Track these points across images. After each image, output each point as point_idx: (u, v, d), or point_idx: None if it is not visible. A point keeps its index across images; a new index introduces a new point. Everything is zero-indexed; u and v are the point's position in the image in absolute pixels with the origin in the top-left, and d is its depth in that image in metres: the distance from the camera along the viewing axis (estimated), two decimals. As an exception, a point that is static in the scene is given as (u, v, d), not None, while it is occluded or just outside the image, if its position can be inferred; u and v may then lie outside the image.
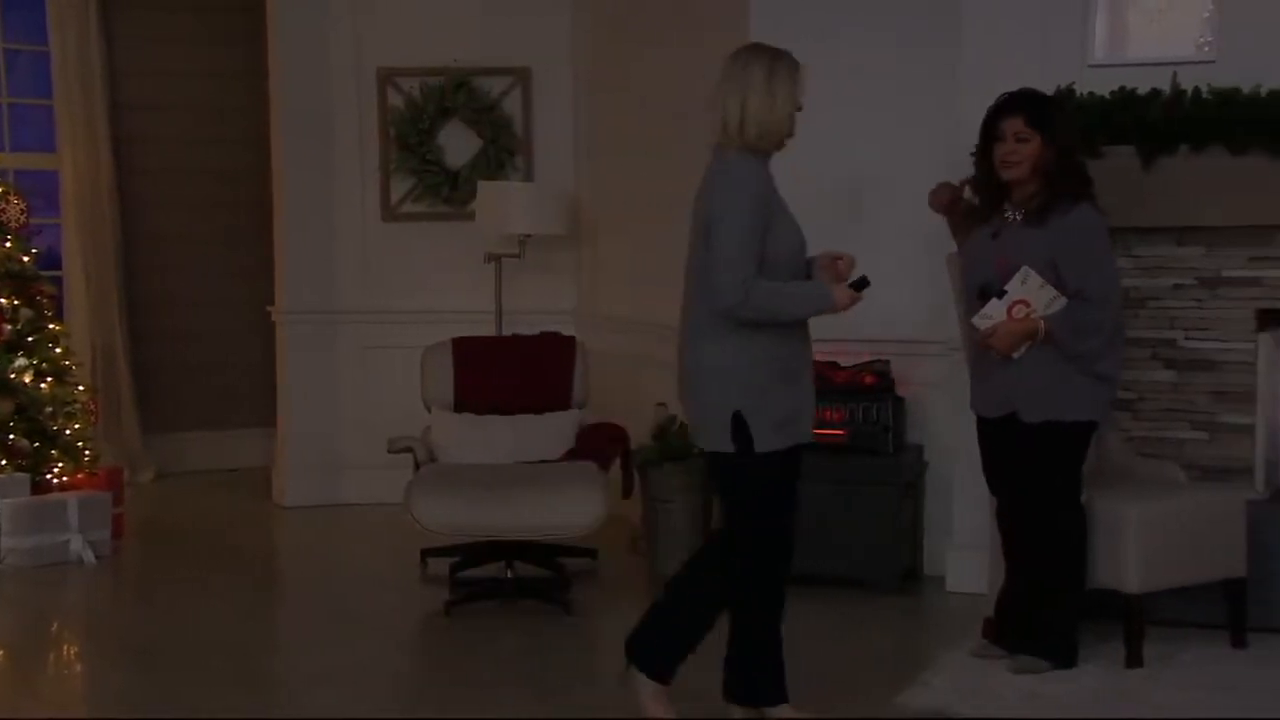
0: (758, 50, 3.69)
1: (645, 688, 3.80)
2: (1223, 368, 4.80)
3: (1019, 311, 4.07)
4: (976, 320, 4.13)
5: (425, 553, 5.52)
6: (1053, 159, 4.12)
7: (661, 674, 3.79)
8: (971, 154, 4.83)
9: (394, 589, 5.38)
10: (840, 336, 5.30)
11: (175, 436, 7.49)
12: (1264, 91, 4.52)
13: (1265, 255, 4.70)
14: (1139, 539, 4.27)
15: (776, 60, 3.63)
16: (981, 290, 4.16)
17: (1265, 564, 4.47)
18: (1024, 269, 4.06)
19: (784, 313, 3.62)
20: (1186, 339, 4.83)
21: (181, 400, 7.51)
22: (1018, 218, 4.19)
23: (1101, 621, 4.37)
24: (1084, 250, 4.15)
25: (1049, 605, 4.26)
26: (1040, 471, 4.20)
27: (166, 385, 7.48)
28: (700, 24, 5.82)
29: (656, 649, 3.81)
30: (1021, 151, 4.11)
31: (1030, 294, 4.06)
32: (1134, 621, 4.29)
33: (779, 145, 3.67)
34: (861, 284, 3.67)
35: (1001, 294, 4.08)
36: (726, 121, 3.63)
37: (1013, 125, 4.13)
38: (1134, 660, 4.27)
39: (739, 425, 3.60)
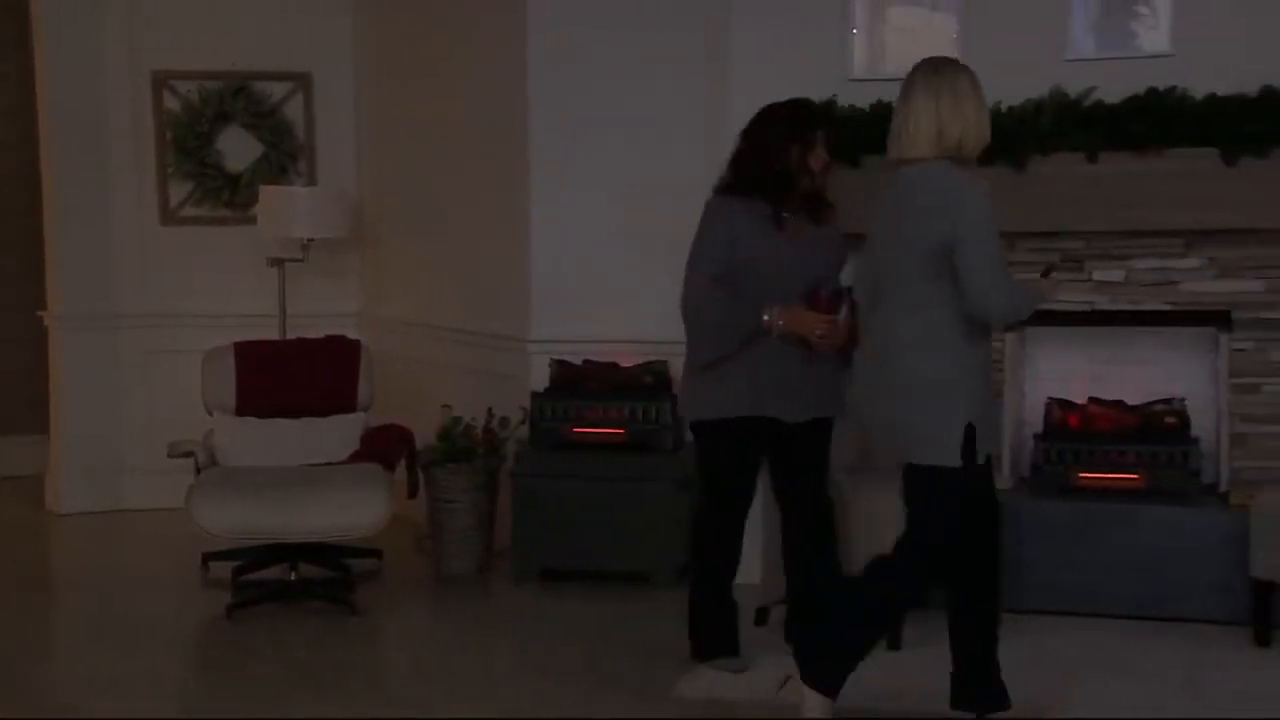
0: (954, 63, 3.69)
1: (813, 699, 3.72)
2: None
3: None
4: (839, 318, 4.18)
5: (207, 557, 5.47)
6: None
7: (834, 687, 3.72)
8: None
9: (174, 594, 5.32)
10: (620, 338, 5.50)
11: (-63, 446, 7.23)
12: (1004, 108, 4.78)
13: (1010, 260, 4.96)
14: (899, 529, 4.51)
15: (972, 73, 3.66)
16: (815, 289, 4.19)
17: (1012, 549, 4.68)
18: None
19: (1027, 311, 3.71)
20: None
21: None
22: (795, 219, 4.27)
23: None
24: (845, 252, 4.40)
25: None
26: (824, 467, 4.41)
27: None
28: (478, 26, 5.90)
29: (831, 661, 3.73)
30: (826, 160, 4.29)
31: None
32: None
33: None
34: (1049, 269, 3.88)
35: (848, 290, 4.18)
36: (944, 133, 3.61)
37: (824, 136, 4.27)
38: (894, 643, 4.47)
39: (969, 438, 3.57)
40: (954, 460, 3.57)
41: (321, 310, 6.44)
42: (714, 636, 4.36)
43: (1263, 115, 4.50)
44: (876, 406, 3.74)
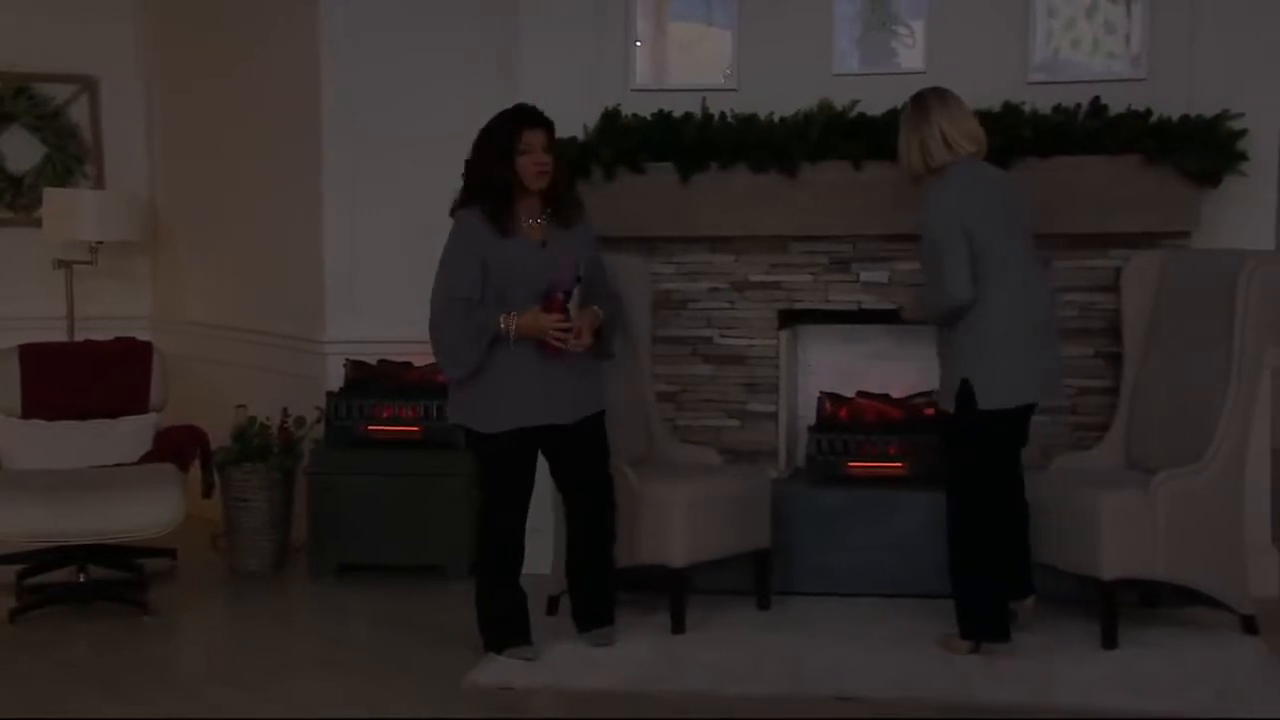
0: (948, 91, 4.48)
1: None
2: (751, 362, 5.31)
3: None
4: (578, 313, 4.29)
5: (-11, 562, 5.40)
6: (561, 169, 4.41)
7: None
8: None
9: (-46, 601, 5.21)
10: (414, 338, 5.58)
11: None
12: (776, 118, 5.06)
13: (783, 262, 5.24)
14: (682, 518, 4.66)
15: None
16: (547, 290, 4.28)
17: (785, 535, 4.99)
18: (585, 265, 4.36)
19: None
20: (721, 337, 5.33)
21: None
22: (538, 223, 4.38)
23: (649, 594, 4.77)
24: (598, 251, 4.54)
25: (615, 577, 4.62)
26: (606, 458, 4.54)
27: None
28: (269, 31, 5.94)
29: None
30: (549, 162, 4.33)
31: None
32: (678, 593, 4.68)
33: None
34: None
35: (578, 282, 4.30)
36: (974, 136, 4.43)
37: (540, 138, 4.33)
38: (678, 627, 4.66)
39: None
40: None
41: (112, 313, 6.37)
42: (505, 627, 4.49)
43: (1004, 129, 4.85)
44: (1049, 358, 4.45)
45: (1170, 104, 4.88)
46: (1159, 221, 4.95)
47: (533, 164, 4.31)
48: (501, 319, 4.26)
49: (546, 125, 4.37)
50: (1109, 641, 4.45)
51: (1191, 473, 4.48)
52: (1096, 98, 4.92)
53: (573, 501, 4.57)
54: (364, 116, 5.65)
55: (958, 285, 4.24)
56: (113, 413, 5.50)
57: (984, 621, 4.39)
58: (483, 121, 5.46)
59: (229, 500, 5.52)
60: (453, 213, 4.40)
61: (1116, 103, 4.90)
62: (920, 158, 4.39)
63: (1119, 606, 4.47)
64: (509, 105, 5.31)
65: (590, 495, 4.54)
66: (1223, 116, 4.83)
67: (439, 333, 4.34)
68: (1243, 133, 4.82)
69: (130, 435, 5.45)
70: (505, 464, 4.41)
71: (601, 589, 4.60)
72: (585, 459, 4.51)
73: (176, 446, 5.35)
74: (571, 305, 4.32)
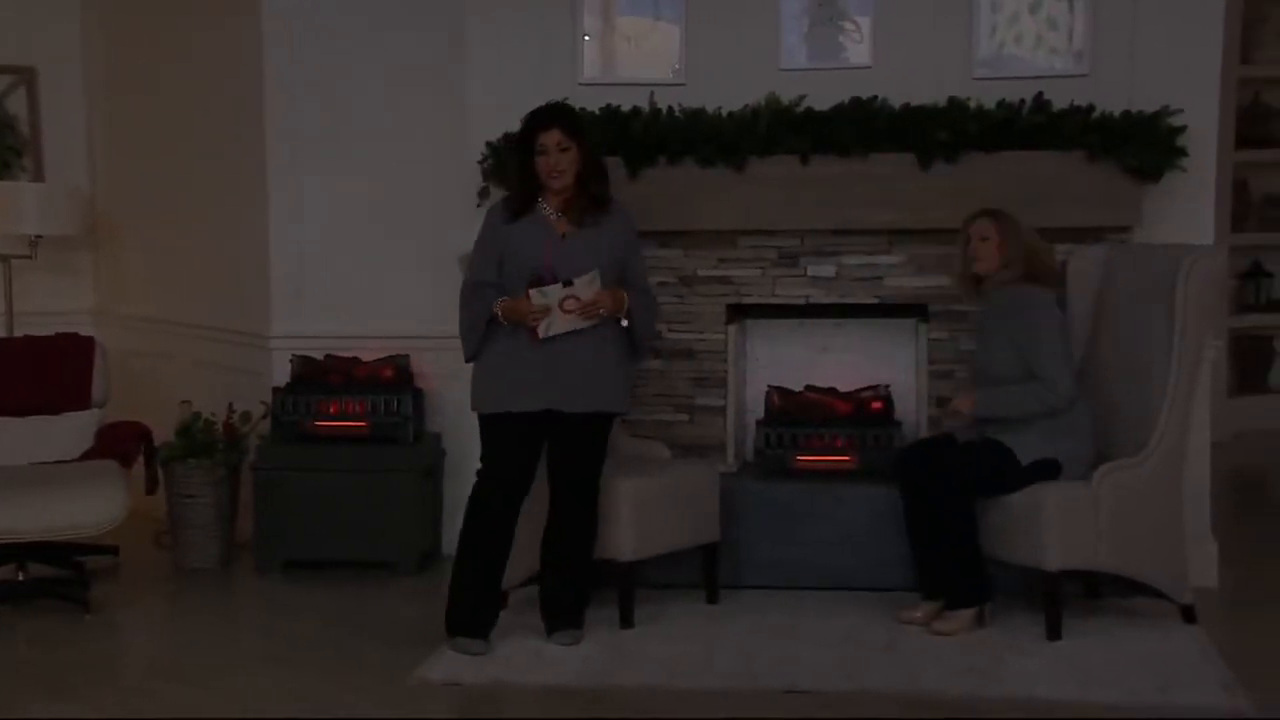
0: None
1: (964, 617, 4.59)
2: (700, 356, 5.33)
3: (570, 305, 4.34)
4: (534, 295, 4.32)
5: (-76, 561, 5.31)
6: (587, 164, 4.42)
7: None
8: (480, 161, 5.21)
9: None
10: (363, 333, 5.58)
11: None
12: (724, 113, 5.08)
13: (731, 257, 5.25)
14: (630, 512, 4.66)
15: None
16: (537, 278, 4.34)
17: (733, 529, 5.01)
18: (595, 271, 4.34)
19: None
20: (670, 331, 5.33)
21: None
22: (562, 216, 4.43)
23: (598, 589, 4.73)
24: (639, 245, 4.58)
25: (586, 580, 4.61)
26: (594, 460, 4.53)
27: None
28: (213, 24, 5.88)
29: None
30: (565, 160, 4.36)
31: (581, 291, 4.36)
32: (627, 587, 4.69)
33: None
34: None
35: (568, 283, 4.33)
36: None
37: (553, 138, 4.36)
38: (627, 621, 4.66)
39: None
40: None
41: (53, 308, 6.29)
42: (463, 614, 4.47)
43: (950, 124, 4.91)
44: None
45: (1112, 100, 4.94)
46: (1102, 216, 5.00)
47: (545, 164, 4.38)
48: (495, 307, 4.39)
49: (562, 124, 4.40)
50: (1053, 633, 4.49)
51: (1133, 465, 4.54)
52: (1040, 93, 4.97)
53: (555, 498, 4.54)
54: (308, 111, 5.60)
55: (1070, 388, 4.55)
56: (54, 409, 5.43)
57: (985, 582, 4.59)
58: (429, 117, 5.54)
59: (173, 497, 5.47)
60: None
61: (1060, 98, 4.95)
62: (1021, 259, 4.67)
63: (1063, 598, 4.52)
64: (456, 100, 5.37)
65: (573, 495, 4.52)
66: (1163, 113, 4.90)
67: (460, 316, 4.51)
68: (1182, 129, 4.89)
69: (72, 431, 5.39)
70: (493, 446, 4.46)
71: (573, 592, 4.59)
72: (575, 456, 4.50)
73: (119, 443, 5.29)
74: (560, 295, 4.33)
